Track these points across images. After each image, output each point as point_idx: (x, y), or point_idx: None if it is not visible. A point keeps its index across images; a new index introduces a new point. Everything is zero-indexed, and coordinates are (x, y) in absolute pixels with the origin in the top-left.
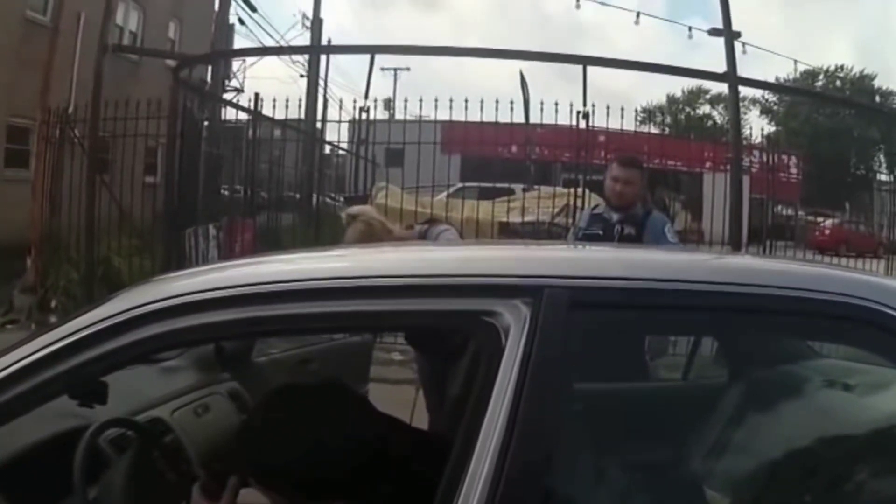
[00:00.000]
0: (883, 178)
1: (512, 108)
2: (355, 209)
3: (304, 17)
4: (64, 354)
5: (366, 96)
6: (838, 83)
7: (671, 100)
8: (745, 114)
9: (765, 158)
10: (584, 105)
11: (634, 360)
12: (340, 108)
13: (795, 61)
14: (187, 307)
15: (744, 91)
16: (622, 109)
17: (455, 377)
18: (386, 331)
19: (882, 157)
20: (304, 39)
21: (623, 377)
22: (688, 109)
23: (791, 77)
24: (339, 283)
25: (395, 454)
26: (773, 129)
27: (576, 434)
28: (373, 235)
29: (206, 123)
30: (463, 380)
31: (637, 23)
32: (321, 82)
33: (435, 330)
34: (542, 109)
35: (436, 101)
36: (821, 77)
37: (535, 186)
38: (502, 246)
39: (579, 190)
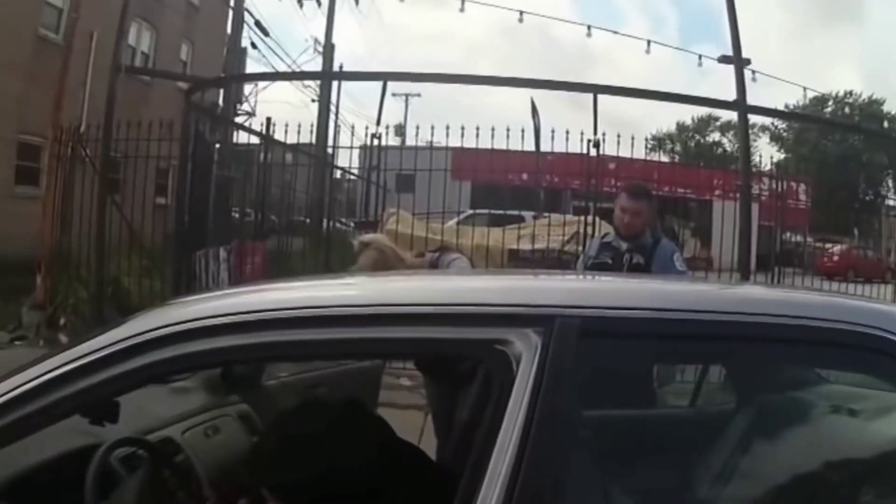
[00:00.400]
0: (891, 202)
1: (523, 136)
2: (368, 237)
3: (317, 42)
4: (78, 374)
5: (377, 122)
6: (847, 109)
7: (681, 127)
8: (755, 141)
9: (774, 186)
10: (595, 133)
11: (643, 388)
12: (353, 133)
13: (805, 88)
14: (201, 332)
15: (753, 118)
16: (633, 138)
17: (465, 403)
18: (398, 358)
19: (890, 182)
20: (316, 64)
21: (632, 405)
22: (698, 137)
23: (800, 103)
24: (352, 310)
25: (408, 476)
26: (782, 155)
27: (585, 461)
28: (385, 263)
29: (217, 146)
30: (473, 406)
31: (648, 52)
32: (332, 107)
33: (447, 357)
34: (552, 137)
35: (447, 128)
36: (830, 103)
37: (545, 214)
38: (514, 275)
39: (589, 218)
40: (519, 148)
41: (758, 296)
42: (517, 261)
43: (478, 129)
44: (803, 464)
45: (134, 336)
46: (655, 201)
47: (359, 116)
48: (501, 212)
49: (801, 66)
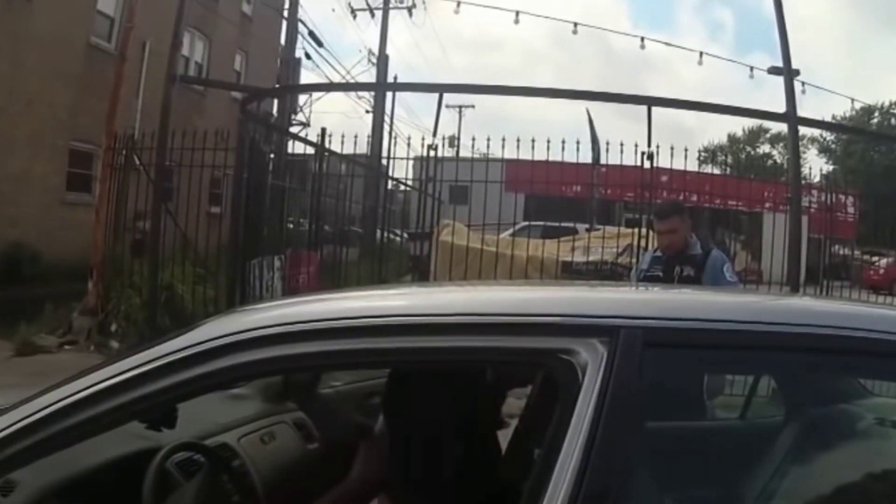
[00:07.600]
0: None
1: (578, 147)
2: None
3: (371, 53)
4: (145, 379)
5: (434, 134)
6: (894, 121)
7: (732, 139)
8: (804, 152)
9: (823, 198)
10: (649, 145)
11: (701, 399)
12: (409, 145)
13: (852, 99)
14: (272, 339)
15: (802, 130)
16: (685, 150)
17: (529, 412)
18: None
19: None
20: (370, 75)
21: (692, 415)
22: (748, 149)
23: (848, 114)
24: (424, 319)
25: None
26: (830, 167)
27: (649, 472)
28: None
29: (272, 156)
30: (531, 415)
31: (700, 63)
32: (387, 118)
33: (512, 367)
34: (608, 149)
35: (503, 140)
36: (876, 114)
37: (598, 227)
38: (579, 286)
39: (643, 230)
40: (573, 160)
41: (821, 308)
42: (570, 273)
43: (533, 140)
44: (854, 477)
45: (205, 341)
46: (687, 211)
47: (413, 127)
48: (556, 224)
49: (853, 74)
